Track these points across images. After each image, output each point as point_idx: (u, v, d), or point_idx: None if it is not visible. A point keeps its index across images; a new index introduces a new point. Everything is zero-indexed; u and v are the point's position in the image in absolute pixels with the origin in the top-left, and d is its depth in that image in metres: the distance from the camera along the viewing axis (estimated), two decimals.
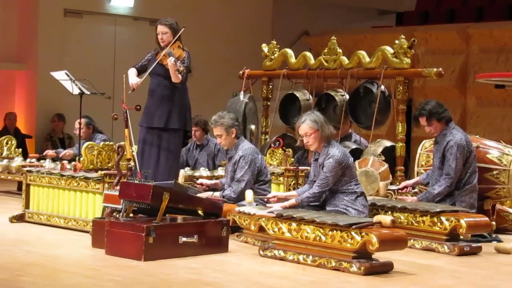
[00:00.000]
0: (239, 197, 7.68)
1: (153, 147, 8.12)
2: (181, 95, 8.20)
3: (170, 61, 7.89)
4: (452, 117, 7.89)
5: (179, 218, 6.81)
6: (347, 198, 7.00)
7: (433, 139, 8.01)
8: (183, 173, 8.35)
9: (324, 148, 7.04)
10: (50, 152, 10.83)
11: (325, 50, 9.92)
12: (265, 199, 7.44)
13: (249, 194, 7.38)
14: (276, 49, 10.42)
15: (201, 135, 10.00)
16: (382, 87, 9.39)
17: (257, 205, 7.52)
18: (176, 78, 7.98)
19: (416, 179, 8.21)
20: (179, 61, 7.96)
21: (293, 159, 9.22)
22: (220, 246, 6.81)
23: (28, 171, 8.32)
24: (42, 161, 9.97)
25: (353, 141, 9.82)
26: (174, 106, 8.14)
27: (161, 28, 8.21)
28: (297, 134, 7.19)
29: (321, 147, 7.07)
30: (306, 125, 7.05)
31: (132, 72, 8.26)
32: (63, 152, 10.61)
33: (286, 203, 7.09)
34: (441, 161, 7.72)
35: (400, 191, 8.14)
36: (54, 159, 10.13)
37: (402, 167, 9.14)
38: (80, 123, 10.28)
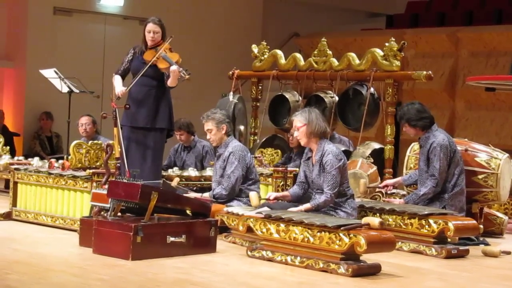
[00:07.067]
0: (231, 194, 7.66)
1: (139, 146, 8.02)
2: (167, 94, 8.14)
3: (174, 71, 7.78)
4: (434, 119, 7.86)
5: (167, 218, 6.80)
6: (337, 200, 6.98)
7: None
8: (178, 180, 8.30)
9: (319, 145, 6.98)
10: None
11: (315, 52, 9.94)
12: (269, 202, 7.28)
13: (254, 197, 7.25)
14: (266, 50, 10.42)
15: (186, 138, 9.86)
16: (372, 90, 9.41)
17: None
18: (175, 83, 7.92)
19: (397, 179, 8.20)
20: (181, 68, 7.86)
21: (280, 159, 9.21)
22: (208, 246, 6.80)
23: (15, 169, 8.29)
24: (30, 159, 9.93)
25: (337, 142, 9.86)
26: (160, 105, 8.06)
27: (153, 27, 8.03)
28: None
29: (312, 144, 7.02)
30: (296, 119, 7.09)
31: (118, 80, 8.13)
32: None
33: (302, 207, 6.92)
34: (426, 163, 7.72)
35: (380, 189, 8.14)
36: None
37: (391, 170, 9.16)
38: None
